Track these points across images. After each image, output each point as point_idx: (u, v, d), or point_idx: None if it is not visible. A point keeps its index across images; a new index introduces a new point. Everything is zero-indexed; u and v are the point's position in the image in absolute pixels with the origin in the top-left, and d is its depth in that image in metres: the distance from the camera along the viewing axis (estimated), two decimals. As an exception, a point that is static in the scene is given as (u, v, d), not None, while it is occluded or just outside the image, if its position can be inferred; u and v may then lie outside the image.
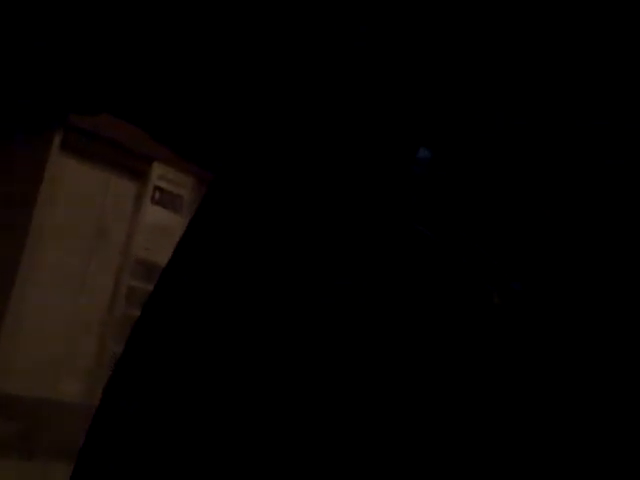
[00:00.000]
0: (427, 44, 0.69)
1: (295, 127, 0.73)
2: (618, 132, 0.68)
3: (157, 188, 3.46)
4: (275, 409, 0.67)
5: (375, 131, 0.70)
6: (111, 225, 3.39)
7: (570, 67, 0.69)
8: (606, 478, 0.67)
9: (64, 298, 3.27)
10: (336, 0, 0.72)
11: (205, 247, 0.78)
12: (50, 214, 3.18)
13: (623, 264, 0.69)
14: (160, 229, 3.54)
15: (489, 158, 0.69)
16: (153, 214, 3.50)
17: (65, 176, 3.16)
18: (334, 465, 0.65)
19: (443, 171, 0.69)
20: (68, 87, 0.82)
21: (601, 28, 0.68)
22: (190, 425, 0.69)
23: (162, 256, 3.49)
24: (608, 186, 0.69)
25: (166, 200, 3.51)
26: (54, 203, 3.18)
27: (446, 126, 0.70)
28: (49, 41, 0.79)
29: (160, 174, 3.42)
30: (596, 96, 0.68)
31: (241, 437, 0.67)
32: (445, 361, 0.67)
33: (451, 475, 0.66)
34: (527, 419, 0.67)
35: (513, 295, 0.68)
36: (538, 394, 0.66)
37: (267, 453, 0.66)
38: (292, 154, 0.74)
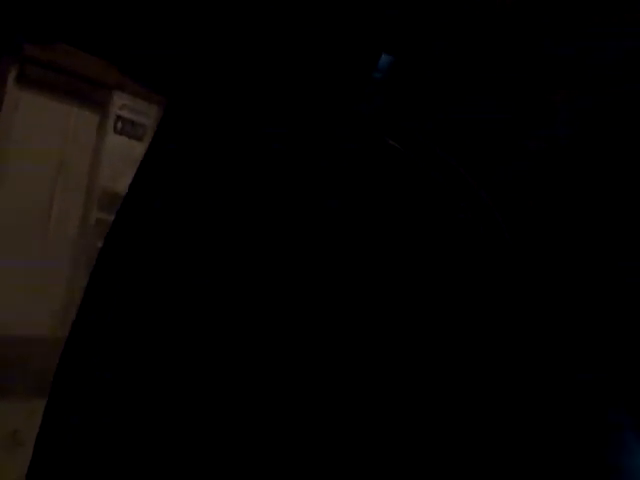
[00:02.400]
0: None
1: (249, 42, 0.71)
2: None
3: (119, 117, 3.41)
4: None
5: (333, 39, 0.68)
6: (74, 157, 3.35)
7: None
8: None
9: (31, 231, 3.24)
10: None
11: (165, 173, 0.76)
12: (10, 149, 3.14)
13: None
14: (125, 159, 3.51)
15: (459, 64, 0.68)
16: (117, 144, 3.46)
17: (23, 109, 3.11)
18: (330, 457, 0.65)
19: (406, 77, 0.67)
20: (21, 16, 0.80)
21: None
22: (155, 354, 0.69)
23: (128, 186, 3.46)
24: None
25: (129, 129, 3.47)
26: (13, 138, 3.13)
27: (408, 30, 0.68)
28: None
29: (122, 103, 3.37)
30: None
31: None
32: (424, 293, 0.66)
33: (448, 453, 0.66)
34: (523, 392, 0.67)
35: (489, 214, 0.68)
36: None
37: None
38: (246, 70, 0.72)
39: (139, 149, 3.61)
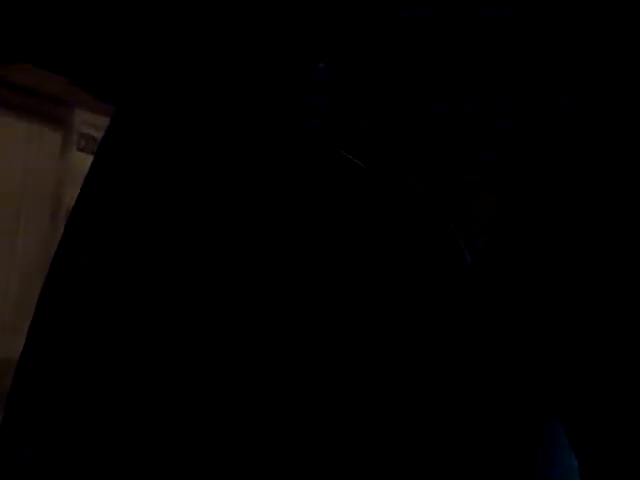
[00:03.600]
0: None
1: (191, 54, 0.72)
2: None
3: (82, 135, 3.40)
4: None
5: (269, 48, 0.69)
6: (39, 175, 3.33)
7: None
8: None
9: (-2, 253, 3.22)
10: None
11: (110, 183, 0.77)
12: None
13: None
14: (89, 176, 3.49)
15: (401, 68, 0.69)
16: (80, 161, 3.45)
17: (-14, 130, 3.09)
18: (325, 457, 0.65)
19: (345, 86, 0.68)
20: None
21: None
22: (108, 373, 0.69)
23: (93, 203, 3.44)
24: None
25: (92, 146, 3.46)
26: (-22, 158, 3.11)
27: (346, 37, 0.68)
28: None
29: (83, 120, 3.36)
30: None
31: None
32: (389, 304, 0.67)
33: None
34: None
35: (449, 229, 0.69)
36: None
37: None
38: (191, 80, 0.72)
39: (103, 165, 3.59)
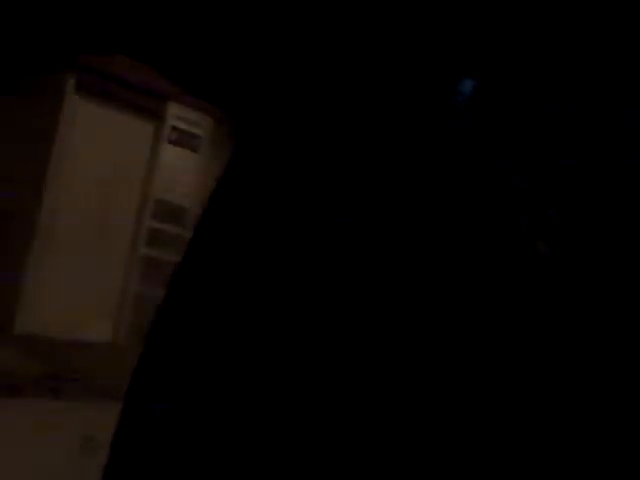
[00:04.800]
0: None
1: (321, 61, 0.72)
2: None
3: (174, 128, 3.46)
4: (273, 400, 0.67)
5: (411, 61, 0.68)
6: (129, 167, 3.40)
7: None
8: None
9: (86, 239, 3.29)
10: None
11: (236, 206, 0.77)
12: (67, 158, 3.19)
13: None
14: (178, 169, 3.55)
15: (535, 86, 0.68)
16: (170, 154, 3.51)
17: (81, 119, 3.16)
18: (333, 462, 0.65)
19: (489, 101, 0.67)
20: (81, 27, 0.82)
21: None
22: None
23: (181, 196, 3.50)
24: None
25: (183, 139, 3.51)
26: (71, 146, 3.18)
27: (491, 53, 0.67)
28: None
29: (176, 114, 3.41)
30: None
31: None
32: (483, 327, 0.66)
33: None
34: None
35: (559, 238, 0.68)
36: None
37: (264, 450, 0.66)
38: (316, 89, 0.72)
39: (192, 159, 3.65)
